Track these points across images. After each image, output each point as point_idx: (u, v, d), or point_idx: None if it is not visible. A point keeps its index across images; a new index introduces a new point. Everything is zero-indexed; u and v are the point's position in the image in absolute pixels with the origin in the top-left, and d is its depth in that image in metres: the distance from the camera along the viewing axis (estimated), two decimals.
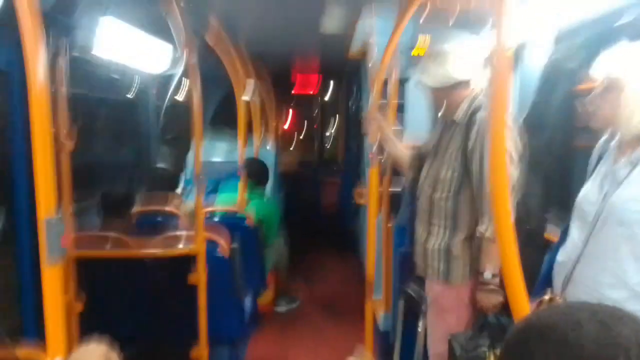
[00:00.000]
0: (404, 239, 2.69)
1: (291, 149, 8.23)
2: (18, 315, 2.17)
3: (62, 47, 2.13)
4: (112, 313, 2.46)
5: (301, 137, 8.51)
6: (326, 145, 8.52)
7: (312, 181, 7.19)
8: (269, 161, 4.53)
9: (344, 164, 7.14)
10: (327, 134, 8.55)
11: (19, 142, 2.24)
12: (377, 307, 2.97)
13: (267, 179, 4.17)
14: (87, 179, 3.34)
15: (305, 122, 8.47)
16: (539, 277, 1.82)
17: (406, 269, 2.47)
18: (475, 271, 2.04)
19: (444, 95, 2.14)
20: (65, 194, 2.11)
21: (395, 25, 2.61)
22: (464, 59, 2.11)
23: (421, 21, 2.25)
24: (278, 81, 6.46)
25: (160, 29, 2.81)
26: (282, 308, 4.38)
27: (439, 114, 2.29)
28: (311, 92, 7.74)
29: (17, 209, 2.23)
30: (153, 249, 2.53)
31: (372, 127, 2.46)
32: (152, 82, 4.04)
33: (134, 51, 3.16)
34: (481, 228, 1.99)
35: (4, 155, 2.22)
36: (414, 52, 3.25)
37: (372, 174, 2.77)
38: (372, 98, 2.67)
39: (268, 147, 5.13)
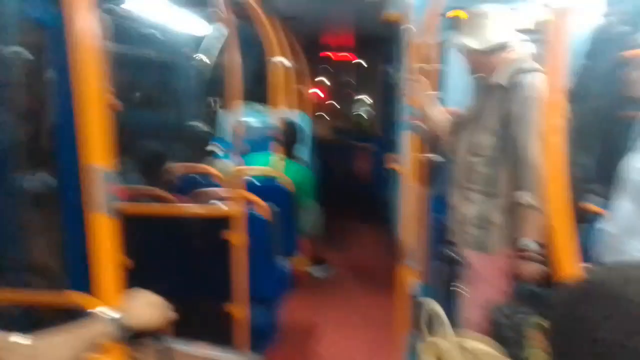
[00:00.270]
0: (440, 206, 2.65)
1: (325, 115, 8.18)
2: (63, 271, 2.25)
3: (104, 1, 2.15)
4: (151, 269, 2.52)
5: (335, 103, 8.43)
6: (361, 111, 8.41)
7: (346, 148, 7.15)
8: (303, 126, 4.51)
9: (379, 131, 7.07)
10: (363, 99, 8.43)
11: (64, 98, 2.28)
12: (410, 274, 2.97)
13: (299, 142, 4.17)
14: (127, 136, 3.40)
15: (340, 88, 8.37)
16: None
17: (441, 237, 2.45)
18: (514, 239, 2.01)
19: (484, 58, 2.08)
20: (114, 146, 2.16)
21: None
22: (505, 21, 2.05)
23: None
24: (312, 46, 6.37)
25: None
26: (315, 273, 4.44)
27: (479, 78, 2.22)
28: (346, 57, 7.62)
29: (62, 164, 2.30)
30: (194, 208, 2.58)
31: (413, 91, 2.41)
32: (192, 43, 4.06)
33: (174, 11, 3.16)
34: (522, 195, 1.95)
35: (49, 111, 2.28)
36: (452, 14, 3.13)
37: (411, 139, 2.72)
38: (412, 62, 2.61)
39: (302, 113, 5.10)
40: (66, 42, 2.08)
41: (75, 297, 1.52)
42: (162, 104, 4.20)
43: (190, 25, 3.69)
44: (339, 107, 8.37)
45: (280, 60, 3.81)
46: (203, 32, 4.00)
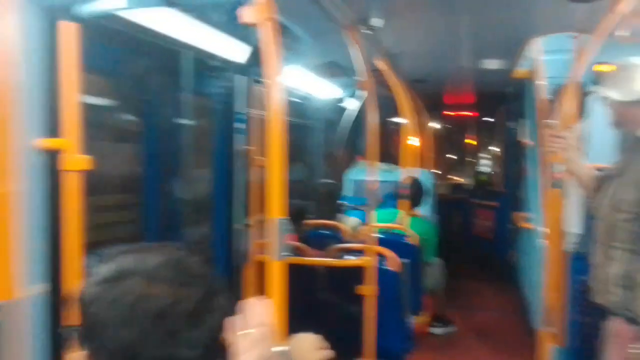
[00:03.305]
0: (583, 266, 2.50)
1: (446, 172, 8.12)
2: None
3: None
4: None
5: (457, 160, 8.36)
6: (483, 167, 8.23)
7: (467, 205, 6.99)
8: (426, 183, 4.54)
9: (502, 188, 6.85)
10: (485, 155, 8.27)
11: (220, 158, 2.58)
12: (550, 340, 2.79)
13: (423, 199, 4.19)
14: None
15: (462, 145, 8.32)
16: None
17: (583, 298, 2.31)
18: None
19: (630, 110, 2.01)
20: (260, 203, 2.37)
21: (583, 41, 2.50)
22: None
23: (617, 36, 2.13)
24: (435, 105, 6.46)
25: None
26: (438, 330, 4.31)
27: (624, 131, 2.14)
28: (468, 115, 7.59)
29: (216, 217, 2.56)
30: (330, 260, 2.70)
31: (558, 146, 2.36)
32: (326, 106, 4.42)
33: (313, 80, 3.48)
34: None
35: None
36: (596, 68, 3.05)
37: (550, 197, 2.64)
38: (560, 116, 2.57)
39: (424, 170, 5.14)
40: (228, 111, 2.37)
41: None
42: (298, 163, 4.52)
43: (328, 91, 4.02)
44: (460, 164, 8.28)
45: (407, 120, 3.94)
46: (339, 97, 4.33)
